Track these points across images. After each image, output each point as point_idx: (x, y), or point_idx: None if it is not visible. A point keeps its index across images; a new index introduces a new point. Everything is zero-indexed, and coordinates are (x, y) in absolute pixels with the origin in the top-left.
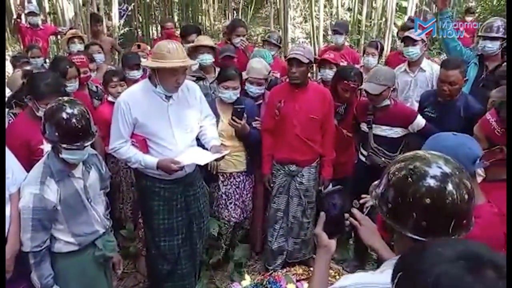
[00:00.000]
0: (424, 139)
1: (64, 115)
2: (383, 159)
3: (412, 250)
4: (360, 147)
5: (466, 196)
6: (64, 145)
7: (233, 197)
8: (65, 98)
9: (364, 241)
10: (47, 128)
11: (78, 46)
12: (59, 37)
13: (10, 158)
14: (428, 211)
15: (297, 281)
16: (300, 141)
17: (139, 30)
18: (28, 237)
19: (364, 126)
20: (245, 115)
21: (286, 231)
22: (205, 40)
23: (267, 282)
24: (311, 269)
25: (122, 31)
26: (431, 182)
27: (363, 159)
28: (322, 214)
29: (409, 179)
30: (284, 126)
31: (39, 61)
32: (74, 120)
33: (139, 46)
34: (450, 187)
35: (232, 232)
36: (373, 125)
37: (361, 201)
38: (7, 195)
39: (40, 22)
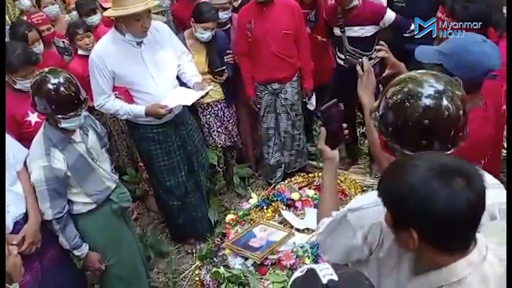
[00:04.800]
0: (396, 32)
1: (51, 86)
2: (360, 59)
3: (393, 163)
4: (336, 51)
5: (461, 106)
6: (60, 116)
7: (214, 125)
8: (46, 69)
9: (358, 91)
10: (38, 102)
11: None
12: None
13: (7, 138)
14: (427, 130)
15: (299, 188)
16: (277, 59)
17: None
18: (47, 206)
19: (337, 30)
20: (225, 71)
21: (280, 146)
22: None
23: (273, 196)
24: (310, 175)
25: None
26: (427, 101)
27: (341, 62)
28: (323, 129)
29: (406, 103)
30: (259, 46)
31: None
32: (62, 89)
33: None
34: (445, 102)
35: (224, 157)
36: (346, 28)
37: None
38: (14, 174)
39: None
